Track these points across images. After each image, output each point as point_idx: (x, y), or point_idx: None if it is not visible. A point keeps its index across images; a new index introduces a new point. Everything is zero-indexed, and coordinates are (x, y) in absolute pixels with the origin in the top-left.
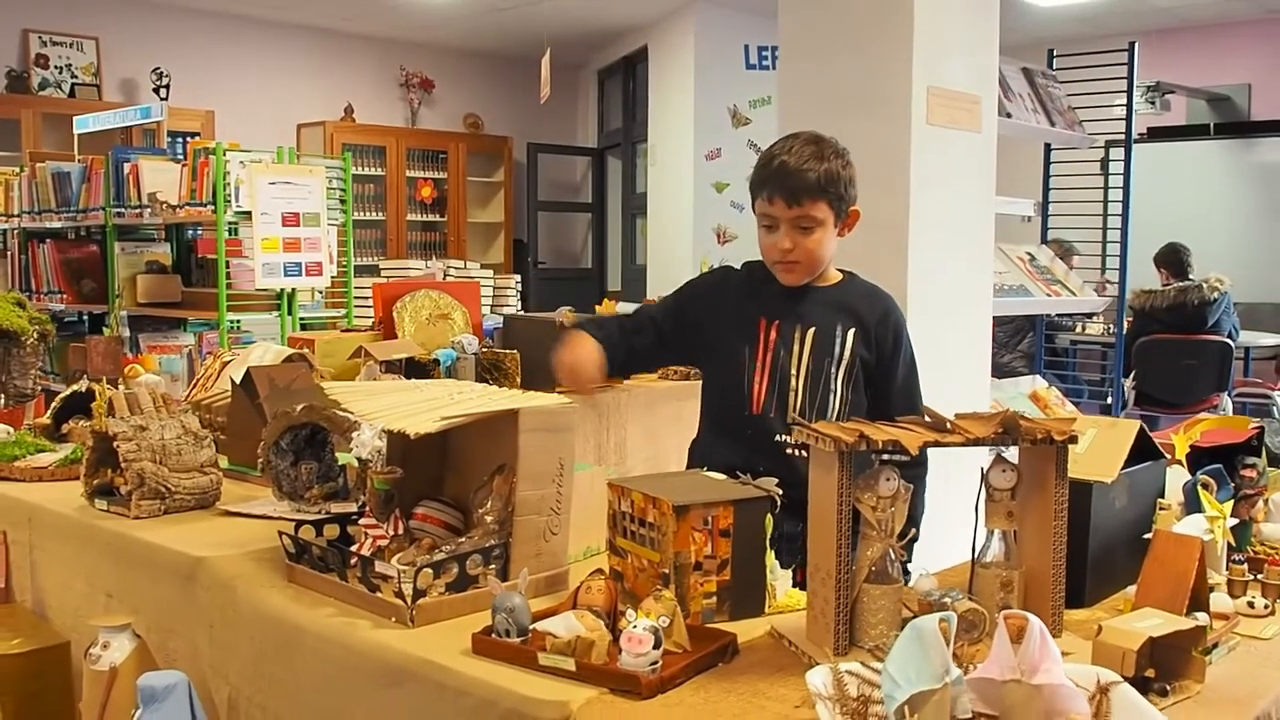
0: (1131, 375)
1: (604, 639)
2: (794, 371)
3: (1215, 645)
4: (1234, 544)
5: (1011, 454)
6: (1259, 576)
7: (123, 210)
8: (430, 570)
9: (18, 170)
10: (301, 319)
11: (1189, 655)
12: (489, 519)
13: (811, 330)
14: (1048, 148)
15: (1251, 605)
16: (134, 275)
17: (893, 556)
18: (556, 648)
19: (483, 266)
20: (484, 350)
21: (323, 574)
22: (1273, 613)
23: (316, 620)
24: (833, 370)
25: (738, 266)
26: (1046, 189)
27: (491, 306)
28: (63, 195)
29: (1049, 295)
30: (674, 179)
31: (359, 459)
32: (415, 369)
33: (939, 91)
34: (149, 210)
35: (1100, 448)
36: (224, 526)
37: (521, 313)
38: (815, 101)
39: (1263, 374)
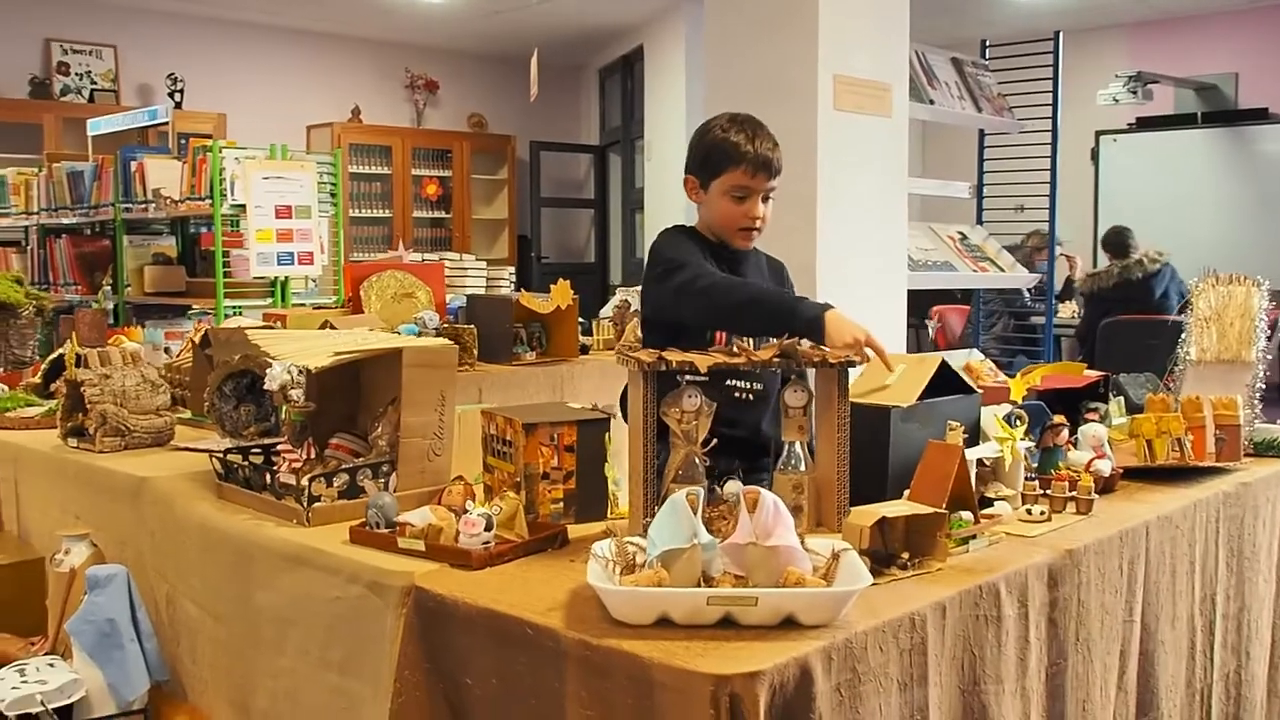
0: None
1: (451, 526)
2: None
3: (974, 536)
4: (1038, 465)
5: (811, 379)
6: (1048, 491)
7: (130, 206)
8: (323, 480)
9: (36, 170)
10: (296, 304)
11: (934, 539)
12: (381, 442)
13: None
14: (981, 134)
15: (1029, 513)
16: (141, 267)
17: (696, 462)
18: (413, 534)
19: (490, 262)
20: (445, 325)
21: (244, 489)
22: (1048, 519)
23: (235, 524)
24: None
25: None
26: (981, 172)
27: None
28: (76, 193)
29: (975, 271)
30: (669, 174)
31: (280, 392)
32: None
33: (846, 80)
34: (154, 205)
35: (906, 380)
36: (173, 459)
37: (482, 293)
38: (735, 90)
39: None
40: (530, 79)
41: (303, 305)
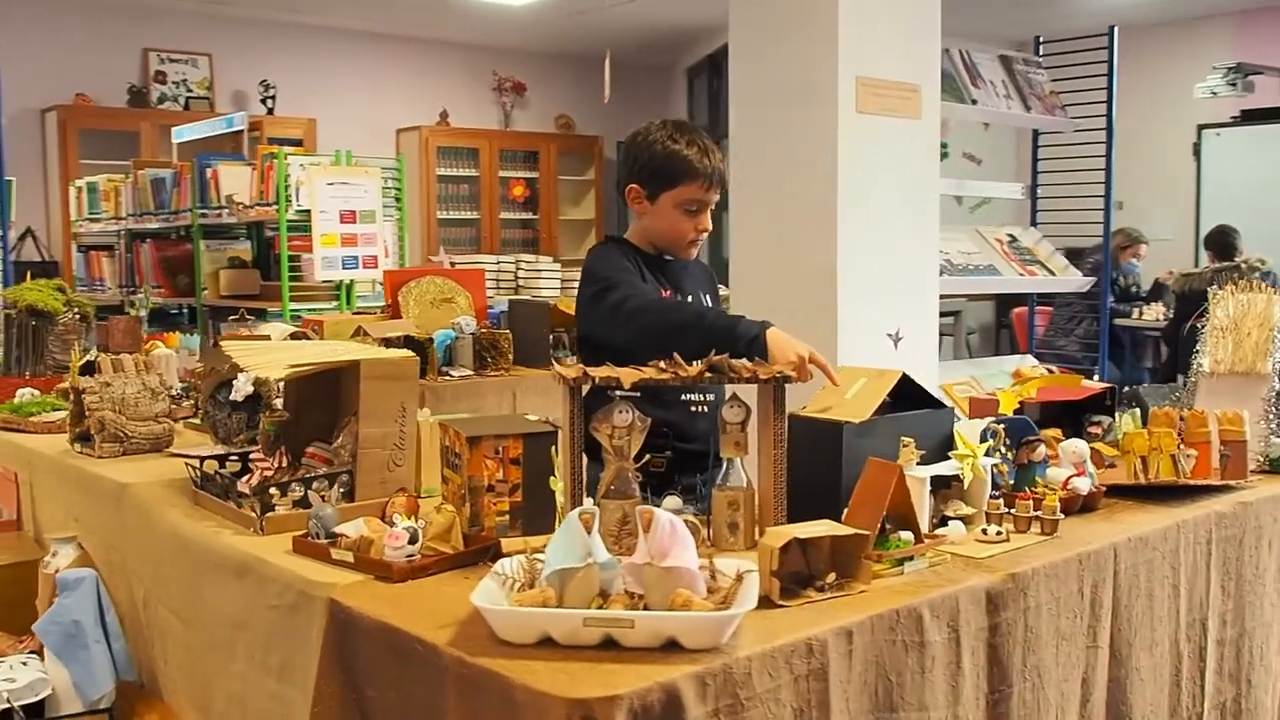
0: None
1: (381, 539)
2: None
3: (911, 558)
4: (1014, 482)
5: (751, 396)
6: (1012, 510)
7: (206, 211)
8: (277, 490)
9: (124, 177)
10: (361, 308)
11: (858, 560)
12: (344, 452)
13: (690, 298)
14: (1035, 134)
15: (985, 533)
16: (217, 270)
17: (629, 477)
18: (346, 545)
19: (567, 264)
20: (482, 330)
21: (215, 497)
22: (1005, 540)
23: (197, 531)
24: None
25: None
26: (1035, 172)
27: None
28: (159, 199)
29: (1022, 275)
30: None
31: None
32: (414, 347)
33: (869, 82)
34: (226, 211)
35: (864, 394)
36: (166, 465)
37: (523, 298)
38: (758, 94)
39: None
40: (604, 81)
41: (373, 308)
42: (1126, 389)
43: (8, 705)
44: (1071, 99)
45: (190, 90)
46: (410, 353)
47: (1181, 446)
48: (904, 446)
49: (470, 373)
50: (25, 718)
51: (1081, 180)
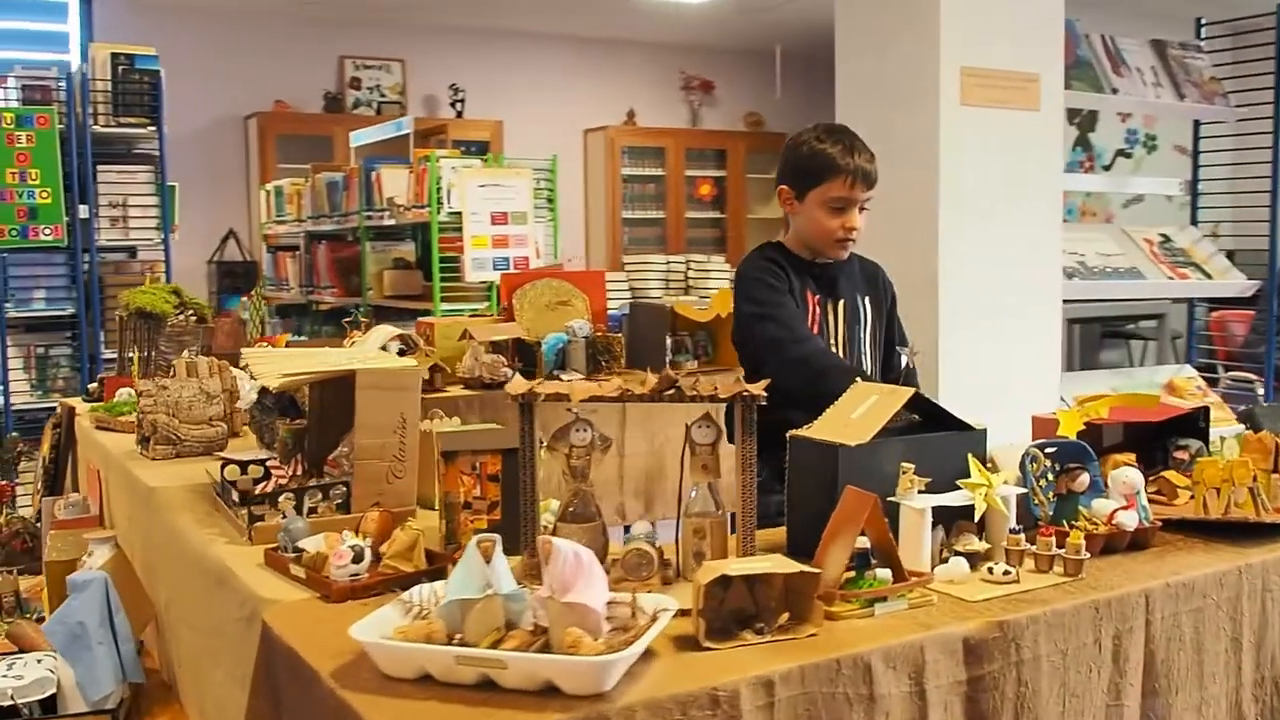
0: None
1: None
2: (833, 340)
3: (884, 599)
4: (1053, 515)
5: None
6: (1033, 546)
7: (371, 214)
8: (266, 501)
9: (304, 181)
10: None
11: (810, 600)
12: (345, 463)
13: (841, 302)
14: (1196, 124)
15: (991, 571)
16: (382, 271)
17: (589, 497)
18: (304, 561)
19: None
20: (597, 334)
21: (225, 504)
22: (1015, 580)
23: (199, 537)
24: (863, 335)
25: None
26: (1196, 166)
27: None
28: (333, 202)
29: (1171, 278)
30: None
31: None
32: (523, 350)
33: (976, 71)
34: (388, 213)
35: (871, 414)
36: (209, 468)
37: (645, 300)
38: (861, 88)
39: None
40: (775, 77)
41: None
42: (1242, 408)
43: (11, 701)
44: (1243, 84)
45: (383, 95)
46: (411, 362)
47: (1271, 477)
48: (903, 473)
49: (581, 376)
50: (38, 713)
51: (1254, 174)
